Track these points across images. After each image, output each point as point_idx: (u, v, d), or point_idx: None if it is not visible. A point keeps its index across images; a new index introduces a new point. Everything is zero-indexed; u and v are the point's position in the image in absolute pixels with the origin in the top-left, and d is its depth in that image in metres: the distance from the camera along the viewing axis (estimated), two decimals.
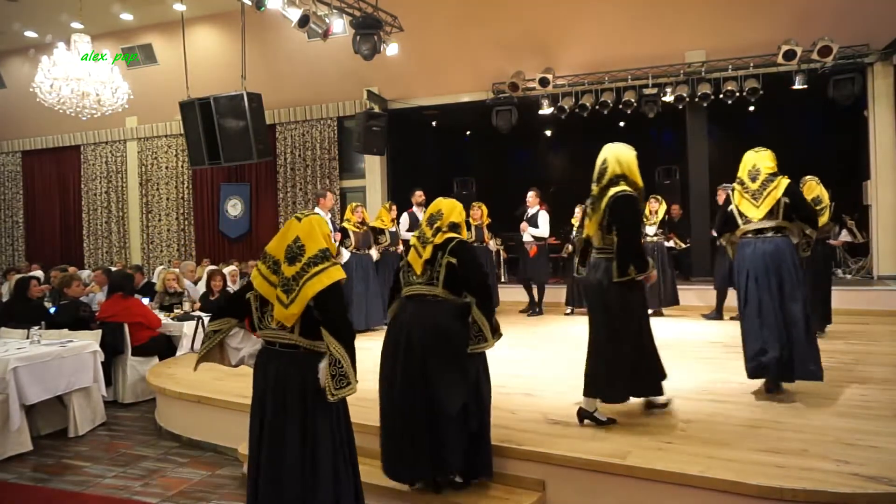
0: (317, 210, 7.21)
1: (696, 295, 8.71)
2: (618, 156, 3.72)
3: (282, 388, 2.69)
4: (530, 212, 8.59)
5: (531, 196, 8.55)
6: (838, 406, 3.84)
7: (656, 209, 8.17)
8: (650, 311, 8.40)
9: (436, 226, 3.22)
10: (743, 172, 4.26)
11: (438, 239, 3.19)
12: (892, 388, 4.24)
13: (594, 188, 3.76)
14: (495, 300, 8.50)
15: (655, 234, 8.12)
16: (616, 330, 3.63)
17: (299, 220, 2.88)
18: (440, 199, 3.38)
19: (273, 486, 2.67)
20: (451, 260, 3.11)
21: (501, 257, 10.68)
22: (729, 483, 2.77)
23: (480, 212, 8.70)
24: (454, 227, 3.24)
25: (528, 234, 8.57)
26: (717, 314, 7.72)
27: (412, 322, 3.19)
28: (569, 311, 8.66)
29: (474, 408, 3.13)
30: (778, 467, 2.87)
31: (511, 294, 9.26)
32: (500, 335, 3.20)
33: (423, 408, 3.10)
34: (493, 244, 8.72)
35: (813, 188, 5.90)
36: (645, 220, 8.04)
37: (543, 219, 8.55)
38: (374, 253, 7.68)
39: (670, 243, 8.29)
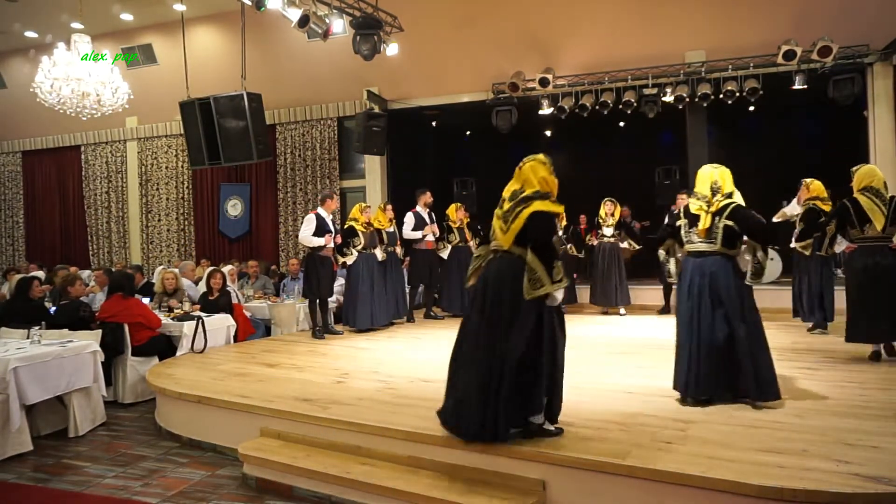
0: (319, 210, 7.22)
1: None
2: (723, 173, 4.08)
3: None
4: None
5: None
6: (838, 406, 3.84)
7: (612, 211, 8.72)
8: (605, 311, 8.84)
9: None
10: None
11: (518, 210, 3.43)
12: (892, 388, 4.25)
13: (702, 205, 4.01)
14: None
15: (612, 236, 8.70)
16: (756, 323, 3.93)
17: (520, 167, 3.55)
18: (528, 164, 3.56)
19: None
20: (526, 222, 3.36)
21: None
22: (729, 483, 2.77)
23: (462, 213, 8.74)
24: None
25: None
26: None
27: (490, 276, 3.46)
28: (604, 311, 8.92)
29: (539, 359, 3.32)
30: (778, 467, 2.87)
31: None
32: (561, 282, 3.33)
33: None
34: (472, 245, 8.74)
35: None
36: (602, 221, 8.73)
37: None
38: (379, 253, 7.69)
39: (625, 244, 8.80)
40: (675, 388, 4.06)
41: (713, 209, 3.94)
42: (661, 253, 4.45)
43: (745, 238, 3.98)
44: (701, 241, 3.98)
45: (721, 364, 3.88)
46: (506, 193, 3.54)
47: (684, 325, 4.01)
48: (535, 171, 3.49)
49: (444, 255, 8.68)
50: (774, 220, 6.91)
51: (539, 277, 3.26)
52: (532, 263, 3.28)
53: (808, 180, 6.62)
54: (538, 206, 3.35)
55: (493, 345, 3.28)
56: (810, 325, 6.66)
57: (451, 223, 8.72)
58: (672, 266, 4.39)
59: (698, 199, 4.06)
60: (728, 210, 3.91)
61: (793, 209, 6.92)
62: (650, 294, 9.21)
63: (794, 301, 6.85)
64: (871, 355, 5.17)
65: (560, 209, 3.49)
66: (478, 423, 3.26)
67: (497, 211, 3.52)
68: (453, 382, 3.48)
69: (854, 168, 5.34)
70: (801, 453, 3.04)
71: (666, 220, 8.47)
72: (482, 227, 9.14)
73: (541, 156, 3.58)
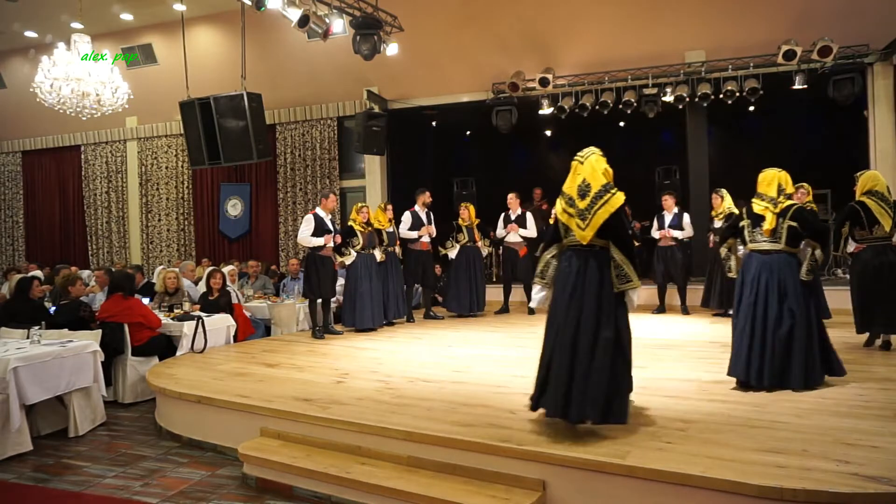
0: (318, 210, 7.21)
1: (693, 294, 8.70)
2: (786, 175, 4.38)
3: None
4: (514, 214, 8.74)
5: (512, 198, 8.79)
6: (838, 406, 3.84)
7: None
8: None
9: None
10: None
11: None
12: (891, 387, 4.24)
13: (768, 206, 4.29)
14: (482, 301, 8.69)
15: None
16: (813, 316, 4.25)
17: (581, 162, 3.65)
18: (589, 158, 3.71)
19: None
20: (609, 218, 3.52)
21: (493, 258, 10.72)
22: (729, 483, 2.77)
23: (468, 212, 8.75)
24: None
25: (516, 234, 8.68)
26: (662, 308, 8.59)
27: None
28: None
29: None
30: (778, 467, 2.87)
31: (512, 294, 9.24)
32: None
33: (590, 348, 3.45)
34: (481, 244, 8.76)
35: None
36: None
37: (531, 220, 8.72)
38: (378, 254, 7.69)
39: None
40: (732, 374, 4.31)
41: (778, 210, 4.24)
42: (724, 251, 4.80)
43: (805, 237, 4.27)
44: (766, 240, 4.29)
45: (782, 354, 4.15)
46: (570, 191, 3.65)
47: (746, 317, 4.26)
48: (598, 165, 3.65)
49: (453, 254, 8.66)
50: None
51: (626, 273, 3.49)
52: (619, 259, 3.50)
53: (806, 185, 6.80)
54: (619, 197, 3.53)
55: (597, 333, 3.44)
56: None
57: (460, 222, 8.71)
58: (733, 263, 4.71)
59: (763, 200, 4.33)
60: (791, 211, 4.23)
61: None
62: (646, 293, 9.17)
63: None
64: (870, 341, 5.61)
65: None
66: (597, 406, 3.37)
67: (567, 209, 3.63)
68: (556, 373, 3.50)
69: (858, 174, 5.69)
70: (801, 453, 3.04)
71: (655, 222, 8.55)
72: (491, 227, 9.20)
73: (596, 148, 3.76)
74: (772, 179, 4.34)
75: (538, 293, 3.82)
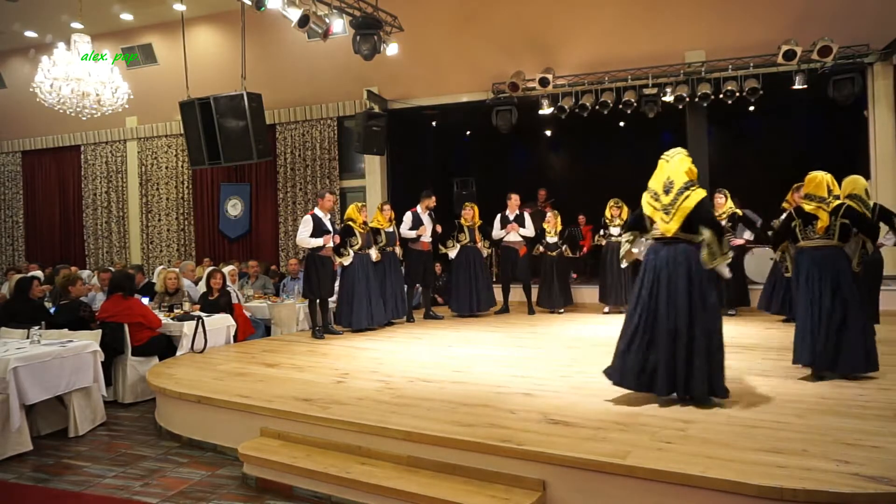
0: (316, 211, 7.21)
1: None
2: (832, 177, 4.74)
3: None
4: (512, 214, 8.76)
5: (514, 198, 8.81)
6: (838, 406, 3.84)
7: (619, 213, 8.70)
8: (606, 310, 8.79)
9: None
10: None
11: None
12: (891, 387, 4.25)
13: (819, 205, 4.60)
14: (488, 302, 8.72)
15: (619, 235, 8.53)
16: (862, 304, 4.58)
17: (667, 161, 4.08)
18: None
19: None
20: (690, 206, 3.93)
21: (493, 258, 10.73)
22: (729, 483, 2.77)
23: (473, 212, 8.75)
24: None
25: (515, 234, 8.68)
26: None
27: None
28: (606, 310, 8.88)
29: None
30: (778, 467, 2.87)
31: (512, 294, 9.24)
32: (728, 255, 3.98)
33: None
34: (481, 245, 8.75)
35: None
36: (608, 222, 8.75)
37: (529, 219, 8.72)
38: (374, 253, 7.68)
39: None
40: (798, 362, 4.62)
41: (830, 209, 4.57)
42: (779, 253, 5.14)
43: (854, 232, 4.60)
44: (819, 238, 4.59)
45: (839, 341, 4.45)
46: (656, 187, 4.08)
47: (805, 309, 4.59)
48: (683, 164, 4.06)
49: (453, 254, 8.64)
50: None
51: (715, 251, 3.88)
52: (709, 239, 3.89)
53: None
54: (701, 192, 3.94)
55: (692, 317, 3.85)
56: (784, 317, 7.25)
57: (463, 222, 8.70)
58: (788, 263, 5.08)
59: (813, 200, 4.63)
60: (843, 210, 4.56)
61: None
62: None
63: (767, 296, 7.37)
64: None
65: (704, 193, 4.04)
66: (702, 383, 3.83)
67: (652, 203, 4.07)
68: (660, 356, 3.89)
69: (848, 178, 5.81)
70: (801, 453, 3.04)
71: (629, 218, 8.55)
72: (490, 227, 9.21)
73: (682, 149, 4.18)
74: (820, 182, 4.63)
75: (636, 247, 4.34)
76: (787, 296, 6.91)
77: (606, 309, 8.83)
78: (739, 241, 7.78)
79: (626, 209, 8.80)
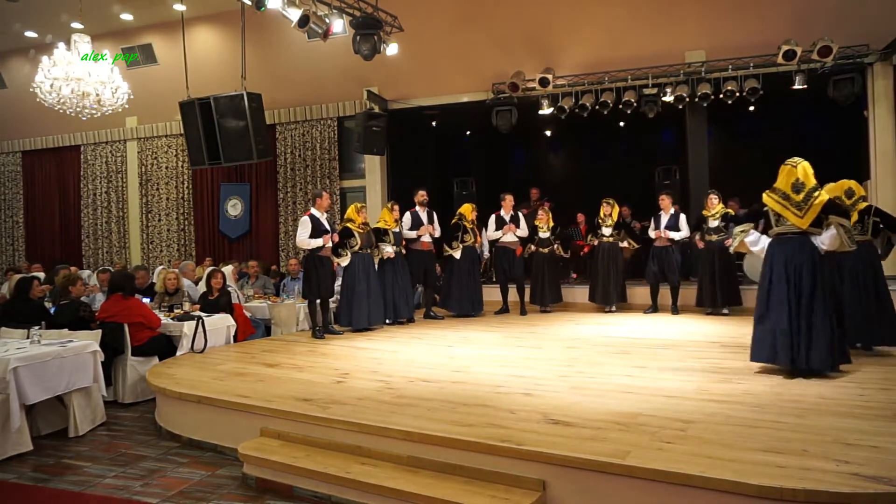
0: (313, 210, 7.21)
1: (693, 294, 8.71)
2: (852, 182, 5.61)
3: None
4: (507, 215, 8.78)
5: (509, 199, 8.81)
6: (838, 406, 3.84)
7: (610, 212, 8.76)
8: (607, 309, 8.84)
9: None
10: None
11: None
12: (891, 388, 4.25)
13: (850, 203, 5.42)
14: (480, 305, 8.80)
15: (611, 235, 8.72)
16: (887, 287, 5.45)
17: (794, 166, 4.66)
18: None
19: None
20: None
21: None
22: (729, 483, 2.76)
23: (475, 213, 8.76)
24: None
25: (512, 235, 8.69)
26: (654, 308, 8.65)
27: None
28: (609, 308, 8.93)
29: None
30: (778, 467, 2.87)
31: (511, 294, 9.24)
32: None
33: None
34: (478, 245, 8.76)
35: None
36: (601, 222, 8.81)
37: (523, 219, 8.76)
38: (390, 250, 7.79)
39: (624, 243, 8.80)
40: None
41: (859, 208, 5.38)
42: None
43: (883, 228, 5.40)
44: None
45: (874, 318, 5.29)
46: (785, 187, 4.67)
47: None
48: (809, 170, 4.66)
49: (457, 255, 8.60)
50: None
51: (852, 237, 4.58)
52: (847, 225, 4.55)
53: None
54: (826, 195, 4.63)
55: (825, 297, 4.49)
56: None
57: (465, 223, 8.67)
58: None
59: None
60: (873, 209, 5.43)
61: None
62: (643, 292, 9.16)
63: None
64: None
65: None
66: (831, 354, 4.48)
67: (781, 201, 4.67)
68: (794, 336, 4.54)
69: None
70: (801, 453, 3.04)
71: (651, 222, 8.59)
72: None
73: (803, 159, 4.75)
74: (840, 187, 5.47)
75: (755, 242, 4.93)
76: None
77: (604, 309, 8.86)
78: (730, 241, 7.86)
79: (616, 208, 8.85)
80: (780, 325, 4.57)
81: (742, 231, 4.97)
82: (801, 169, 4.65)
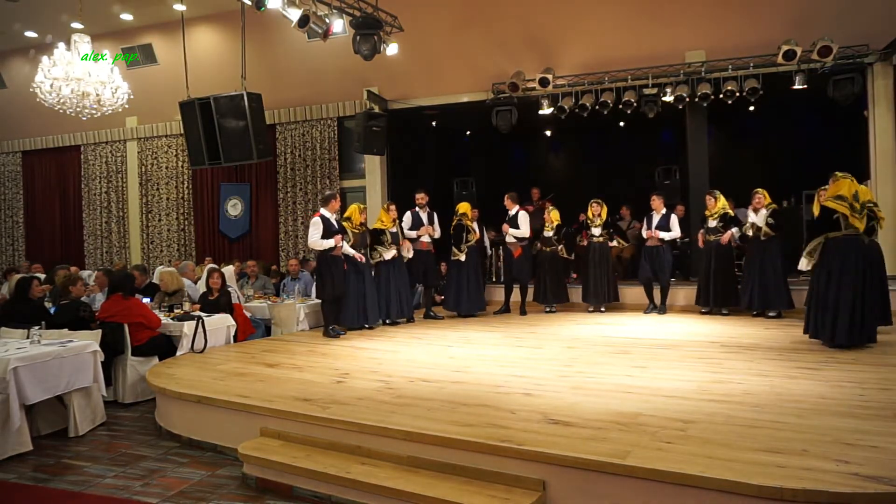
0: (323, 212, 7.23)
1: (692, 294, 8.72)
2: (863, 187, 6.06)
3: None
4: (509, 213, 8.74)
5: (508, 199, 8.79)
6: (838, 406, 3.84)
7: (599, 212, 8.80)
8: (590, 309, 8.88)
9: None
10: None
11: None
12: (891, 388, 4.25)
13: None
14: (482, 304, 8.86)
15: (601, 235, 8.75)
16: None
17: (852, 179, 5.63)
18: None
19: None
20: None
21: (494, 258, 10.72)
22: (729, 483, 2.76)
23: (476, 212, 8.77)
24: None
25: (509, 235, 8.67)
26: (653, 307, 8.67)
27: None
28: (591, 308, 8.97)
29: None
30: (778, 467, 2.87)
31: (512, 294, 9.24)
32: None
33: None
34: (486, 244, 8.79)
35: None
36: (589, 222, 8.87)
37: (524, 219, 8.71)
38: (389, 256, 7.84)
39: (613, 242, 8.89)
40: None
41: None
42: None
43: None
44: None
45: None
46: (846, 194, 5.57)
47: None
48: (855, 184, 5.61)
49: (463, 257, 8.56)
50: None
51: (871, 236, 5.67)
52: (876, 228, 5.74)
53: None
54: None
55: (865, 287, 5.51)
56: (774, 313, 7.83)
57: (467, 222, 8.66)
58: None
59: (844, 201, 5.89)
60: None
61: (753, 218, 7.84)
62: (636, 293, 9.17)
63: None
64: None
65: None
66: (870, 334, 5.63)
67: (846, 206, 5.54)
68: (842, 316, 5.54)
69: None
70: (801, 453, 3.04)
71: (644, 222, 8.61)
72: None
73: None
74: (853, 190, 5.88)
75: (805, 264, 5.90)
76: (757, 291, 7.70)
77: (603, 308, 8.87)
78: (726, 236, 8.05)
79: (605, 208, 8.85)
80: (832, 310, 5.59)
81: (809, 254, 5.83)
82: (854, 182, 5.65)
